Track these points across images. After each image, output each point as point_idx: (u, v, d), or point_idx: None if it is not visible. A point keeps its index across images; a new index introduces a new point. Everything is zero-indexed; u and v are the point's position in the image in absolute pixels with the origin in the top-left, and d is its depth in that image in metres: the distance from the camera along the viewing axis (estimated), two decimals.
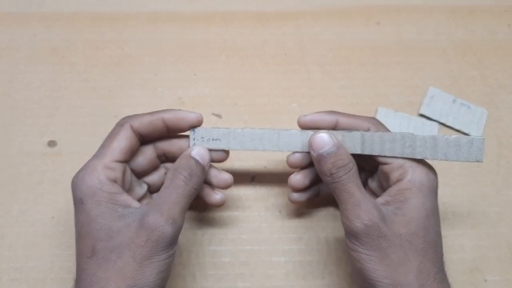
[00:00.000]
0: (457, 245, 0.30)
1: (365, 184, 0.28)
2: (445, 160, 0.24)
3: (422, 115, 0.35)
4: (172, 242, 0.22)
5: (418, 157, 0.24)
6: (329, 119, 0.26)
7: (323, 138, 0.24)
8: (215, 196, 0.27)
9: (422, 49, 0.38)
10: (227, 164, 0.33)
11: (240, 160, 0.33)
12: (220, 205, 0.28)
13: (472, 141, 0.24)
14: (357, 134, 0.25)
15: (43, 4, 0.40)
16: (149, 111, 0.33)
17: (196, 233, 0.30)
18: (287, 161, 0.27)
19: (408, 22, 0.40)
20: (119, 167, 0.24)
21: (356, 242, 0.23)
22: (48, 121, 0.34)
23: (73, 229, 0.30)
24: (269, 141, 0.26)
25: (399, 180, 0.24)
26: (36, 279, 0.28)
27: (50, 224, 0.30)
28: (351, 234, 0.23)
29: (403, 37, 0.39)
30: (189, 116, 0.25)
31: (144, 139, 0.26)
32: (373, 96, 0.36)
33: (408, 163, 0.24)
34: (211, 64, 0.37)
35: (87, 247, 0.22)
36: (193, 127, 0.26)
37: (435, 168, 0.25)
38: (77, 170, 0.23)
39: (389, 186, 0.24)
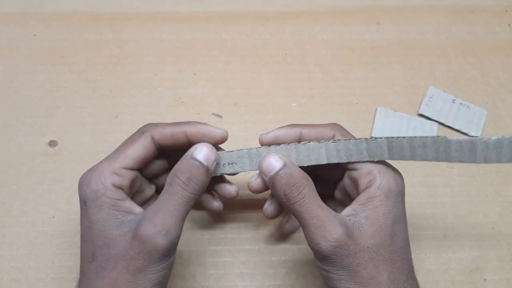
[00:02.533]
0: (457, 245, 0.30)
1: (332, 196, 0.27)
2: (485, 163, 0.22)
3: (421, 115, 0.35)
4: (167, 253, 0.21)
5: (455, 161, 0.22)
6: (292, 133, 0.25)
7: (271, 161, 0.23)
8: (214, 202, 0.27)
9: (422, 49, 0.38)
10: None
11: None
12: (217, 212, 0.27)
13: None
14: (383, 142, 0.23)
15: (42, 4, 0.40)
16: (150, 112, 0.33)
17: (196, 232, 0.30)
18: (249, 188, 0.25)
19: (409, 22, 0.40)
20: (128, 174, 0.23)
21: (325, 262, 0.22)
22: (48, 121, 0.34)
23: (74, 229, 0.30)
24: (287, 158, 0.24)
25: (368, 187, 0.23)
26: (36, 279, 0.28)
27: (50, 224, 0.30)
28: (319, 256, 0.22)
29: (404, 37, 0.39)
30: (213, 133, 0.24)
31: (164, 149, 0.25)
32: (373, 96, 0.36)
33: (377, 169, 0.23)
34: (211, 64, 0.37)
35: (88, 251, 0.22)
36: (217, 143, 0.24)
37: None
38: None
39: (358, 193, 0.23)
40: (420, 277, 0.29)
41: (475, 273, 0.29)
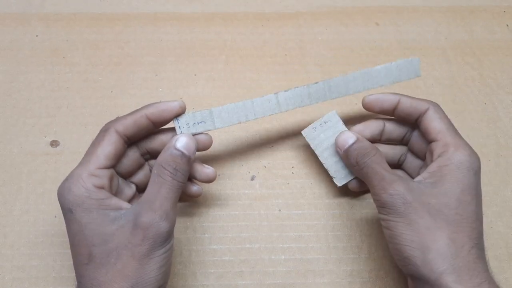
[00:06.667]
0: None
1: (417, 173, 0.28)
2: (397, 82, 0.29)
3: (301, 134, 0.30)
4: (168, 236, 0.23)
5: (377, 86, 0.29)
6: (392, 98, 0.28)
7: (346, 135, 0.27)
8: (192, 187, 0.28)
9: (421, 49, 0.39)
10: (227, 162, 0.33)
11: (240, 160, 0.33)
12: (197, 196, 0.28)
13: (411, 61, 0.30)
14: (323, 83, 0.29)
15: (43, 5, 0.40)
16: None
17: (197, 232, 0.30)
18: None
19: (408, 22, 0.40)
20: (105, 173, 0.23)
21: (384, 211, 0.24)
22: (49, 121, 0.34)
23: None
24: (247, 111, 0.28)
25: (439, 157, 0.24)
26: (38, 278, 0.29)
27: (52, 223, 0.30)
28: (380, 207, 0.24)
29: (403, 37, 0.39)
30: (172, 106, 0.25)
31: (131, 140, 0.26)
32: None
33: (453, 143, 0.24)
34: (211, 64, 0.37)
35: (82, 254, 0.22)
36: (177, 115, 0.26)
37: None
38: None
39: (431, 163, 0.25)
40: None
41: None
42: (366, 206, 0.31)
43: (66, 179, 0.23)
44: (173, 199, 0.23)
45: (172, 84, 0.36)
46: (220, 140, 0.34)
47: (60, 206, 0.23)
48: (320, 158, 0.30)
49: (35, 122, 0.34)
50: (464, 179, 0.23)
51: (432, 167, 0.24)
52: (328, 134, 0.29)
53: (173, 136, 0.26)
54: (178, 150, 0.24)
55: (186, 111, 0.26)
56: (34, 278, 0.28)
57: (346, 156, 0.27)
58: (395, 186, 0.23)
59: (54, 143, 0.33)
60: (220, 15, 0.40)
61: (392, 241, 0.23)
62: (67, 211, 0.22)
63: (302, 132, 0.30)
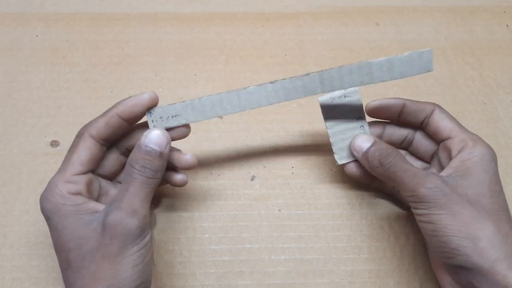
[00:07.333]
0: None
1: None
2: (402, 77, 0.25)
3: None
4: (140, 233, 0.22)
5: (377, 81, 0.25)
6: (397, 102, 0.27)
7: (361, 138, 0.27)
8: (177, 176, 0.27)
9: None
10: (227, 162, 0.33)
11: (240, 160, 0.33)
12: (182, 185, 0.28)
13: (422, 54, 0.25)
14: (315, 76, 0.25)
15: (43, 5, 0.40)
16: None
17: (197, 232, 0.30)
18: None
19: (408, 22, 0.40)
20: (81, 179, 0.23)
21: (423, 206, 0.23)
22: (49, 121, 0.34)
23: None
24: (230, 104, 0.25)
25: (460, 152, 0.24)
26: (38, 278, 0.29)
27: None
28: (417, 202, 0.23)
29: (403, 38, 0.39)
30: (142, 99, 0.24)
31: (109, 141, 0.25)
32: (372, 96, 0.36)
33: (469, 137, 0.25)
34: (211, 64, 0.37)
35: (62, 260, 0.22)
36: (149, 108, 0.24)
37: None
38: None
39: (450, 160, 0.25)
40: (422, 275, 0.29)
41: None
42: (366, 206, 0.31)
43: (45, 189, 0.23)
44: (143, 195, 0.22)
45: (172, 84, 0.36)
46: (220, 140, 0.34)
47: (42, 215, 0.23)
48: (328, 131, 0.28)
49: (35, 122, 0.34)
50: (490, 169, 0.24)
51: (455, 162, 0.24)
52: (344, 110, 0.28)
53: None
54: (147, 146, 0.23)
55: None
56: (34, 278, 0.28)
57: (365, 159, 0.26)
58: (431, 180, 0.23)
59: (54, 143, 0.33)
60: (220, 15, 0.40)
61: (435, 234, 0.23)
62: (47, 219, 0.23)
63: (319, 99, 0.28)
